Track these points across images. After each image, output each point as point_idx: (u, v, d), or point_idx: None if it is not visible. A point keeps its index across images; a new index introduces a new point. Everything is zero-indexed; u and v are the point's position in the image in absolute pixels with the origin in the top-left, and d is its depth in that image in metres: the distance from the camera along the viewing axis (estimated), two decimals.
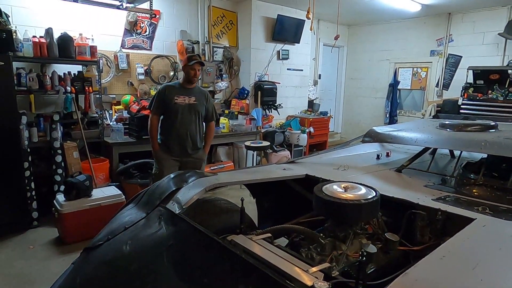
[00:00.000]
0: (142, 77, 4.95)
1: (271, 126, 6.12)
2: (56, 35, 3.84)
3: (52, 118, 3.83)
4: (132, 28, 4.83)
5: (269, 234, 1.47)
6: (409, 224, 1.59)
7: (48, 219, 3.53)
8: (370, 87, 7.99)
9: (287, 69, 6.50)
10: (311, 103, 7.19)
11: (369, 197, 1.41)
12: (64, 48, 3.86)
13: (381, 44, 7.64)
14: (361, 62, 8.08)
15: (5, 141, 3.35)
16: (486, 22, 6.09)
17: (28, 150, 3.57)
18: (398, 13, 6.56)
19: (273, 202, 2.24)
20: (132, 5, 4.57)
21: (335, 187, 1.50)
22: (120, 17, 4.70)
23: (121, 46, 4.78)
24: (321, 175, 1.96)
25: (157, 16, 5.00)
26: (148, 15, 4.87)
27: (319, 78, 7.79)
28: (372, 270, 1.38)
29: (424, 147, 2.24)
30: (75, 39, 3.97)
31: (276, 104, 6.15)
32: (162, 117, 3.28)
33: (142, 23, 4.90)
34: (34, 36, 3.71)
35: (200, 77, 5.34)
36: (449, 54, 6.61)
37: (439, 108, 6.04)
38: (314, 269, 1.13)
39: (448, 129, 2.24)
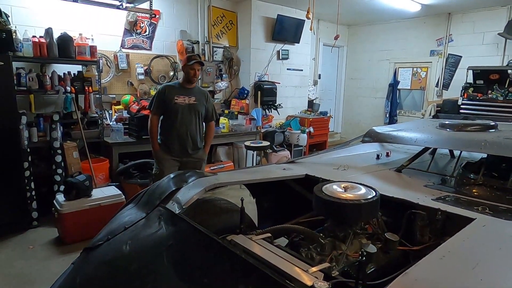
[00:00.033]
0: (142, 77, 4.95)
1: (271, 126, 6.11)
2: (56, 35, 3.84)
3: (52, 118, 3.83)
4: (132, 28, 4.83)
5: (269, 234, 1.47)
6: (409, 224, 1.59)
7: (48, 219, 3.53)
8: (370, 87, 7.99)
9: (287, 69, 6.50)
10: (311, 103, 7.19)
11: (369, 197, 1.42)
12: (64, 48, 3.86)
13: (381, 44, 7.64)
14: (361, 62, 8.08)
15: (5, 141, 3.35)
16: (486, 22, 6.09)
17: (28, 150, 3.57)
18: (398, 13, 6.57)
19: (273, 202, 2.24)
20: (132, 5, 4.57)
21: (335, 187, 1.50)
22: (120, 17, 4.70)
23: (121, 46, 4.78)
24: (321, 175, 1.96)
25: (157, 16, 5.00)
26: (148, 15, 4.87)
27: (319, 78, 7.79)
28: (372, 270, 1.38)
29: (424, 147, 2.24)
30: (75, 39, 3.97)
31: (276, 104, 6.15)
32: (162, 117, 3.28)
33: (142, 23, 4.90)
34: (34, 36, 3.71)
35: (200, 77, 5.34)
36: (449, 54, 6.61)
37: (439, 108, 6.04)
38: (314, 269, 1.13)
39: (448, 129, 2.24)
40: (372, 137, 2.36)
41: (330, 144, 6.90)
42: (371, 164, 2.40)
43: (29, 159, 3.58)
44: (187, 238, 1.31)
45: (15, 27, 3.65)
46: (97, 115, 4.28)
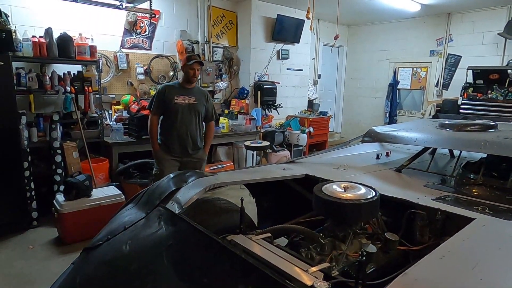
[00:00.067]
0: (141, 77, 4.95)
1: (270, 126, 6.11)
2: (55, 35, 3.84)
3: (52, 118, 3.83)
4: (131, 28, 4.82)
5: (269, 234, 1.47)
6: (408, 224, 1.59)
7: (47, 219, 3.53)
8: (369, 87, 7.99)
9: (287, 69, 6.50)
10: (310, 103, 7.19)
11: (369, 197, 1.42)
12: (64, 48, 3.86)
13: (380, 44, 7.65)
14: (361, 62, 8.09)
15: (5, 141, 3.35)
16: (486, 22, 6.09)
17: (28, 150, 3.57)
18: (397, 13, 6.57)
19: (272, 202, 2.24)
20: (131, 5, 4.57)
21: (334, 187, 1.50)
22: (119, 17, 4.70)
23: (120, 46, 4.78)
24: (321, 175, 1.96)
25: (157, 16, 5.00)
26: (147, 15, 4.87)
27: (319, 78, 7.79)
28: (372, 270, 1.38)
29: (423, 147, 2.24)
30: (74, 39, 3.97)
31: (275, 104, 6.15)
32: (161, 117, 3.28)
33: (142, 23, 4.90)
34: (33, 36, 3.71)
35: (199, 77, 5.35)
36: (448, 54, 6.61)
37: (439, 108, 6.04)
38: (313, 269, 1.13)
39: (448, 129, 2.24)
40: (372, 137, 2.36)
41: (330, 144, 6.90)
42: (371, 164, 2.40)
43: (29, 159, 3.58)
44: (187, 238, 1.31)
45: (15, 27, 3.65)
46: (97, 115, 4.28)
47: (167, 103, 3.18)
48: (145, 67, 4.99)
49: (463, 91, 5.74)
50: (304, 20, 5.91)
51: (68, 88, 3.95)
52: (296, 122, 6.34)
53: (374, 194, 1.44)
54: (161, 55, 5.18)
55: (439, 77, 6.79)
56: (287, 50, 6.35)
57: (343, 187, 1.50)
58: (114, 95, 4.77)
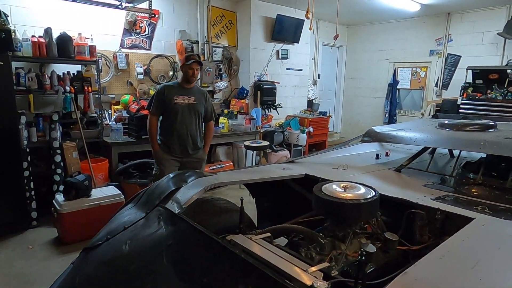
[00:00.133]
0: (141, 77, 4.95)
1: (270, 126, 6.11)
2: (55, 34, 3.84)
3: (51, 118, 3.83)
4: (131, 27, 4.82)
5: (269, 234, 1.46)
6: (408, 224, 1.59)
7: (47, 219, 3.53)
8: (369, 87, 8.00)
9: (287, 68, 6.50)
10: (310, 103, 7.19)
11: (369, 196, 1.42)
12: (63, 48, 3.85)
13: (380, 44, 7.65)
14: (361, 62, 8.09)
15: (4, 141, 3.35)
16: (485, 22, 6.10)
17: (27, 150, 3.57)
18: (397, 13, 6.57)
19: (272, 201, 2.24)
20: (131, 4, 4.57)
21: (334, 186, 1.50)
22: (119, 17, 4.69)
23: (120, 46, 4.78)
24: (321, 174, 1.96)
25: (156, 16, 4.99)
26: (147, 15, 4.87)
27: (319, 77, 7.79)
28: (372, 269, 1.38)
29: (423, 147, 2.24)
30: (74, 39, 3.97)
31: (275, 104, 6.15)
32: (161, 117, 3.28)
33: (141, 22, 4.90)
34: (33, 36, 3.71)
35: (199, 77, 5.35)
36: (448, 53, 6.61)
37: (438, 108, 6.04)
38: (313, 268, 1.13)
39: (447, 129, 2.24)
40: (371, 136, 2.36)
41: (330, 144, 6.90)
42: (370, 164, 2.40)
43: (29, 159, 3.58)
44: (187, 238, 1.31)
45: (14, 27, 3.64)
46: (96, 115, 4.28)
47: (166, 103, 3.17)
48: (145, 67, 4.99)
49: (462, 91, 5.75)
50: (304, 20, 5.91)
51: (67, 88, 3.95)
52: (295, 122, 6.34)
53: (373, 194, 1.44)
54: (160, 55, 5.17)
55: (438, 77, 6.80)
56: (287, 50, 6.35)
57: (343, 187, 1.50)
58: (113, 95, 4.77)
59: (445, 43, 6.64)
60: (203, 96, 3.34)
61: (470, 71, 5.81)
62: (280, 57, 6.29)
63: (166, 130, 3.26)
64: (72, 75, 4.09)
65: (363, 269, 1.05)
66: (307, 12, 4.18)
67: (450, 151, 2.64)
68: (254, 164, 5.10)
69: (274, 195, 2.21)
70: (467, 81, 5.86)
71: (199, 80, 5.43)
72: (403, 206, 1.61)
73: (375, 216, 1.59)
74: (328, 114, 7.07)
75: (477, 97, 5.57)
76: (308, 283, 1.02)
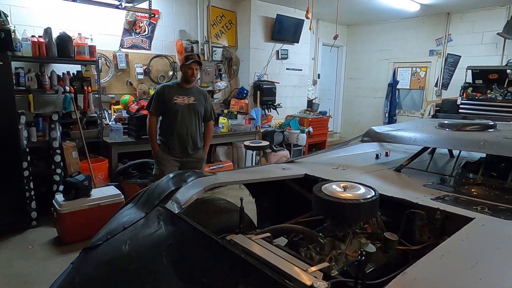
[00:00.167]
0: (141, 76, 4.95)
1: (270, 126, 6.11)
2: (55, 34, 3.84)
3: (51, 118, 3.83)
4: (131, 27, 4.82)
5: (268, 234, 1.46)
6: (408, 224, 1.59)
7: (47, 219, 3.53)
8: (369, 87, 8.00)
9: (286, 68, 6.50)
10: (310, 103, 7.19)
11: (368, 196, 1.42)
12: (63, 47, 3.85)
13: (380, 44, 7.65)
14: (360, 62, 8.09)
15: (4, 141, 3.35)
16: (485, 22, 6.10)
17: (27, 150, 3.57)
18: (397, 13, 6.57)
19: (272, 201, 2.24)
20: (131, 4, 4.56)
21: (334, 186, 1.50)
22: (119, 17, 4.69)
23: (120, 46, 4.77)
24: (320, 174, 1.96)
25: (156, 16, 4.99)
26: (147, 15, 4.87)
27: (318, 77, 7.79)
28: (371, 269, 1.38)
29: (423, 147, 2.24)
30: (74, 39, 3.97)
31: (275, 104, 6.15)
32: (160, 117, 3.27)
33: (141, 22, 4.90)
34: (33, 36, 3.71)
35: (199, 77, 5.35)
36: (448, 53, 6.62)
37: (438, 108, 6.04)
38: (313, 268, 1.13)
39: (447, 129, 2.24)
40: (371, 136, 2.36)
41: (330, 143, 6.90)
42: (370, 164, 2.40)
43: (28, 159, 3.58)
44: (187, 238, 1.31)
45: (14, 27, 3.65)
46: (96, 115, 4.28)
47: (166, 104, 3.17)
48: (145, 67, 4.99)
49: (462, 91, 5.75)
50: (304, 20, 5.91)
51: (67, 88, 3.95)
52: (295, 122, 6.34)
53: (373, 193, 1.44)
54: (160, 55, 5.17)
55: (438, 77, 6.80)
56: (287, 50, 6.35)
57: (343, 186, 1.50)
58: (113, 95, 4.77)
59: (445, 43, 6.65)
60: (202, 96, 3.34)
61: (470, 71, 5.80)
62: (280, 57, 6.29)
63: (166, 130, 3.26)
64: (72, 75, 4.09)
65: (362, 269, 1.05)
66: (307, 12, 4.18)
67: (450, 151, 2.64)
68: (254, 164, 5.10)
69: (274, 195, 2.21)
70: (466, 81, 5.86)
71: (199, 80, 5.43)
72: (403, 206, 1.61)
73: (375, 216, 1.59)
74: (328, 114, 7.07)
75: (476, 97, 5.57)
76: (308, 283, 1.02)
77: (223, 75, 5.85)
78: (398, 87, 7.47)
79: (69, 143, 3.94)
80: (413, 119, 6.38)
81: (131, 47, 4.88)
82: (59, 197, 3.34)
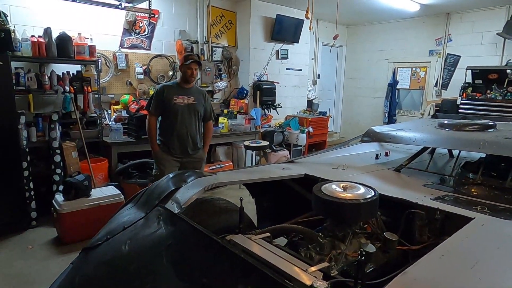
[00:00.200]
0: (141, 76, 4.94)
1: (270, 126, 6.11)
2: (54, 34, 3.84)
3: (51, 118, 3.83)
4: (131, 27, 4.82)
5: (268, 234, 1.46)
6: (408, 224, 1.59)
7: (47, 219, 3.53)
8: (369, 87, 8.00)
9: (286, 68, 6.50)
10: (310, 103, 7.19)
11: (368, 196, 1.42)
12: (63, 47, 3.85)
13: (380, 44, 7.65)
14: (360, 62, 8.09)
15: (4, 141, 3.35)
16: (485, 22, 6.10)
17: (27, 150, 3.56)
18: (397, 13, 6.57)
19: (272, 201, 2.24)
20: (131, 4, 4.56)
21: (334, 186, 1.50)
22: (119, 17, 4.69)
23: (120, 46, 4.77)
24: (320, 174, 1.96)
25: (156, 16, 4.99)
26: (147, 15, 4.86)
27: (318, 77, 7.79)
28: (371, 269, 1.38)
29: (423, 147, 2.24)
30: (73, 39, 3.97)
31: (275, 104, 6.15)
32: (160, 118, 3.27)
33: (141, 22, 4.90)
34: (32, 36, 3.71)
35: (199, 77, 5.35)
36: (447, 53, 6.62)
37: (438, 108, 6.04)
38: (313, 268, 1.13)
39: (447, 129, 2.24)
40: (371, 136, 2.36)
41: (329, 144, 6.91)
42: (370, 164, 2.40)
43: (28, 159, 3.57)
44: (186, 238, 1.31)
45: (14, 27, 3.65)
46: (96, 115, 4.28)
47: (166, 104, 3.17)
48: (144, 67, 4.99)
49: (462, 91, 5.75)
50: (304, 20, 5.91)
51: (67, 88, 3.95)
52: (295, 122, 6.34)
53: (373, 193, 1.44)
54: (160, 55, 5.17)
55: (438, 77, 6.80)
56: (287, 50, 6.36)
57: (342, 186, 1.50)
58: (113, 95, 4.77)
59: (444, 43, 6.65)
60: (202, 96, 3.34)
61: (469, 71, 5.81)
62: (279, 57, 6.29)
63: (165, 130, 3.26)
64: (71, 75, 4.09)
65: (362, 269, 1.05)
66: (306, 12, 4.18)
67: (450, 151, 2.64)
68: (253, 164, 5.10)
69: (274, 195, 2.21)
70: (466, 81, 5.86)
71: (198, 80, 5.43)
72: (402, 206, 1.61)
73: (374, 216, 1.59)
74: (327, 114, 7.07)
75: (476, 97, 5.57)
76: (308, 283, 1.02)
77: (223, 75, 5.85)
78: (398, 87, 7.48)
79: (69, 143, 3.94)
80: (413, 119, 6.38)
81: (131, 47, 4.88)
82: (59, 197, 3.34)
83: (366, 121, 7.81)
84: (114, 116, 4.62)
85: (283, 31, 6.08)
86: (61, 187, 3.71)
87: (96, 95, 4.26)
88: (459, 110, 5.54)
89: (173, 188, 1.64)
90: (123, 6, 4.47)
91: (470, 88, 5.71)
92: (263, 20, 5.92)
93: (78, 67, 4.18)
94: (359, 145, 2.93)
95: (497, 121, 2.46)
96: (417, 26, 6.99)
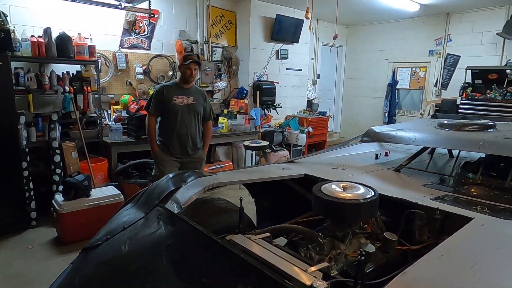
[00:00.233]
0: (140, 76, 4.94)
1: (270, 126, 6.12)
2: (54, 34, 3.84)
3: (51, 118, 3.83)
4: (130, 27, 4.82)
5: (268, 234, 1.46)
6: (407, 224, 1.59)
7: (46, 219, 3.53)
8: (369, 87, 8.00)
9: (286, 68, 6.50)
10: (310, 103, 7.19)
11: (368, 196, 1.41)
12: (63, 47, 3.85)
13: (380, 44, 7.65)
14: (360, 62, 8.09)
15: (4, 141, 3.35)
16: (485, 22, 6.10)
17: (27, 150, 3.56)
18: (397, 13, 6.57)
19: (272, 201, 2.24)
20: (130, 4, 4.56)
21: (334, 186, 1.50)
22: (118, 17, 4.69)
23: (119, 46, 4.77)
24: (320, 174, 1.96)
25: (156, 16, 4.99)
26: (146, 15, 4.86)
27: (318, 78, 7.80)
28: (371, 269, 1.38)
29: (422, 147, 2.24)
30: (73, 39, 3.97)
31: (275, 104, 6.15)
32: (159, 118, 3.27)
33: (141, 22, 4.90)
34: (32, 36, 3.71)
35: (198, 77, 5.35)
36: (447, 53, 6.62)
37: (438, 108, 6.04)
38: (313, 268, 1.13)
39: (447, 129, 2.24)
40: (371, 136, 2.36)
41: (329, 144, 6.91)
42: (370, 164, 2.40)
43: (28, 159, 3.57)
44: (186, 238, 1.31)
45: (14, 27, 3.64)
46: (96, 115, 4.28)
47: (166, 104, 3.17)
48: (144, 67, 4.99)
49: (462, 91, 5.75)
50: (303, 20, 5.91)
51: (67, 88, 3.95)
52: (295, 122, 6.34)
53: (373, 193, 1.44)
54: (160, 55, 5.17)
55: (438, 77, 6.80)
56: (286, 50, 6.36)
57: (342, 186, 1.50)
58: (113, 95, 4.77)
59: (444, 43, 6.65)
60: (201, 96, 3.34)
61: (469, 71, 5.81)
62: (279, 57, 6.29)
63: (165, 130, 3.25)
64: (71, 75, 4.09)
65: (362, 269, 1.05)
66: (306, 12, 4.18)
67: (449, 151, 2.64)
68: (253, 164, 5.10)
69: (274, 195, 2.21)
70: (466, 81, 5.87)
71: (198, 80, 5.43)
72: (402, 206, 1.61)
73: (374, 216, 1.59)
74: (327, 114, 7.07)
75: (476, 97, 5.57)
76: (308, 283, 1.02)
77: (222, 75, 5.85)
78: (397, 87, 7.48)
79: (68, 143, 3.94)
80: (412, 119, 6.38)
81: (130, 47, 4.88)
82: (59, 197, 3.34)
83: (366, 121, 7.81)
84: (114, 116, 4.62)
85: (283, 31, 6.08)
86: (61, 187, 3.71)
87: (96, 95, 4.26)
88: (459, 110, 5.54)
89: (173, 188, 1.64)
90: (123, 6, 4.47)
91: (470, 88, 5.72)
92: (263, 20, 5.92)
93: (78, 67, 4.18)
94: (359, 145, 2.92)
95: (497, 121, 2.46)
96: (417, 26, 6.99)
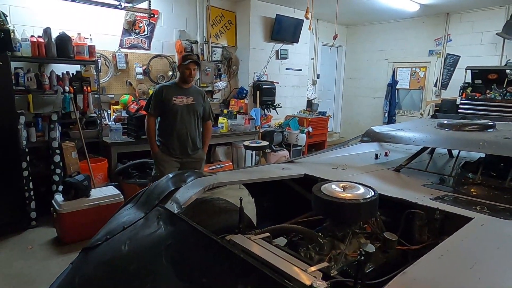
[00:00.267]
0: (140, 77, 4.94)
1: (269, 126, 6.12)
2: (54, 34, 3.84)
3: (50, 118, 3.83)
4: (130, 27, 4.82)
5: (268, 234, 1.46)
6: (407, 224, 1.59)
7: (46, 219, 3.53)
8: (368, 87, 8.00)
9: (286, 69, 6.50)
10: (309, 103, 7.19)
11: (368, 196, 1.41)
12: (63, 47, 3.85)
13: (379, 44, 7.66)
14: (360, 62, 8.10)
15: (3, 141, 3.35)
16: (484, 22, 6.11)
17: (26, 150, 3.56)
18: (396, 13, 6.57)
19: (271, 201, 2.24)
20: (130, 4, 4.56)
21: (333, 186, 1.50)
22: (118, 17, 4.69)
23: (119, 46, 4.77)
24: (320, 174, 1.96)
25: (156, 16, 4.99)
26: (146, 15, 4.86)
27: (318, 78, 7.80)
28: (371, 269, 1.38)
29: (422, 147, 2.24)
30: (73, 39, 3.97)
31: (274, 104, 6.15)
32: (159, 118, 3.26)
33: (141, 22, 4.90)
34: (32, 36, 3.71)
35: (198, 77, 5.35)
36: (447, 54, 6.62)
37: (438, 108, 6.04)
38: (312, 268, 1.13)
39: (447, 129, 2.24)
40: (370, 136, 2.36)
41: (329, 143, 6.91)
42: (369, 164, 2.40)
43: (28, 159, 3.57)
44: (186, 238, 1.31)
45: (13, 27, 3.64)
46: (95, 115, 4.28)
47: (165, 104, 3.16)
48: (144, 67, 4.99)
49: (461, 91, 5.75)
50: (303, 20, 5.92)
51: (66, 88, 3.95)
52: (295, 122, 6.34)
53: (373, 193, 1.44)
54: (160, 55, 5.17)
55: (437, 77, 6.80)
56: (286, 50, 6.36)
57: (342, 186, 1.50)
58: (113, 95, 4.77)
59: (444, 43, 6.65)
60: (201, 96, 3.34)
61: (469, 71, 5.81)
62: (279, 57, 6.29)
63: (165, 131, 3.25)
64: (71, 75, 4.09)
65: (362, 268, 1.05)
66: (306, 12, 4.18)
67: (449, 151, 2.64)
68: (253, 164, 5.10)
69: (274, 195, 2.21)
70: (466, 81, 5.87)
71: (198, 80, 5.43)
72: (402, 206, 1.61)
73: (374, 216, 1.59)
74: (327, 114, 7.08)
75: (476, 97, 5.58)
76: (308, 283, 1.02)
77: (222, 75, 5.85)
78: (397, 87, 7.48)
79: (68, 143, 3.94)
80: (412, 119, 6.38)
81: (130, 47, 4.88)
82: (59, 197, 3.34)
83: (366, 121, 7.81)
84: (113, 116, 4.62)
85: (283, 31, 6.08)
86: (60, 187, 3.70)
87: (96, 95, 4.26)
88: (459, 110, 5.55)
89: (172, 188, 1.64)
90: (122, 6, 4.47)
91: (470, 88, 5.72)
92: (262, 20, 5.92)
93: (77, 67, 4.18)
94: (358, 145, 2.92)
95: (497, 121, 2.46)
96: (417, 26, 6.99)
